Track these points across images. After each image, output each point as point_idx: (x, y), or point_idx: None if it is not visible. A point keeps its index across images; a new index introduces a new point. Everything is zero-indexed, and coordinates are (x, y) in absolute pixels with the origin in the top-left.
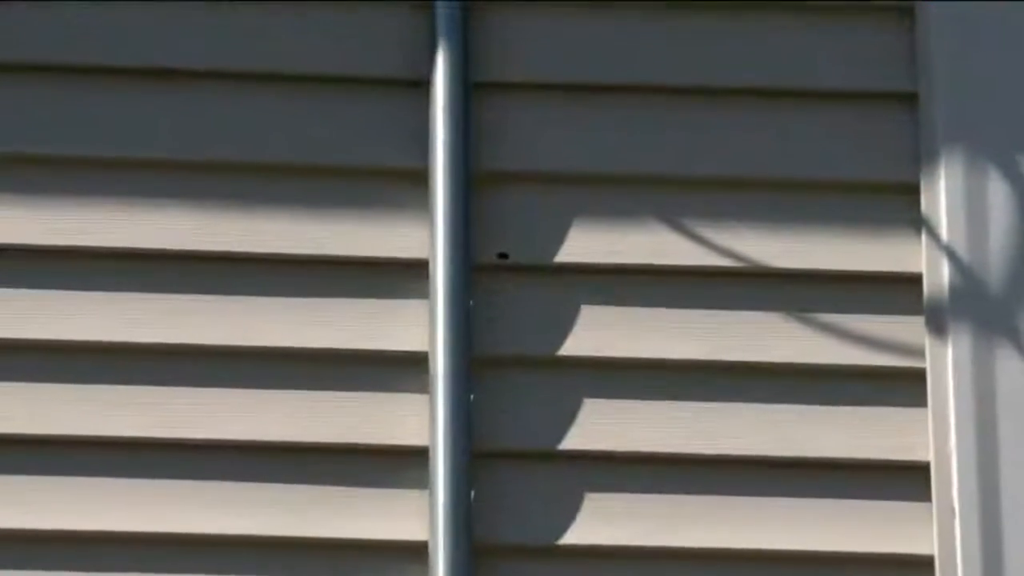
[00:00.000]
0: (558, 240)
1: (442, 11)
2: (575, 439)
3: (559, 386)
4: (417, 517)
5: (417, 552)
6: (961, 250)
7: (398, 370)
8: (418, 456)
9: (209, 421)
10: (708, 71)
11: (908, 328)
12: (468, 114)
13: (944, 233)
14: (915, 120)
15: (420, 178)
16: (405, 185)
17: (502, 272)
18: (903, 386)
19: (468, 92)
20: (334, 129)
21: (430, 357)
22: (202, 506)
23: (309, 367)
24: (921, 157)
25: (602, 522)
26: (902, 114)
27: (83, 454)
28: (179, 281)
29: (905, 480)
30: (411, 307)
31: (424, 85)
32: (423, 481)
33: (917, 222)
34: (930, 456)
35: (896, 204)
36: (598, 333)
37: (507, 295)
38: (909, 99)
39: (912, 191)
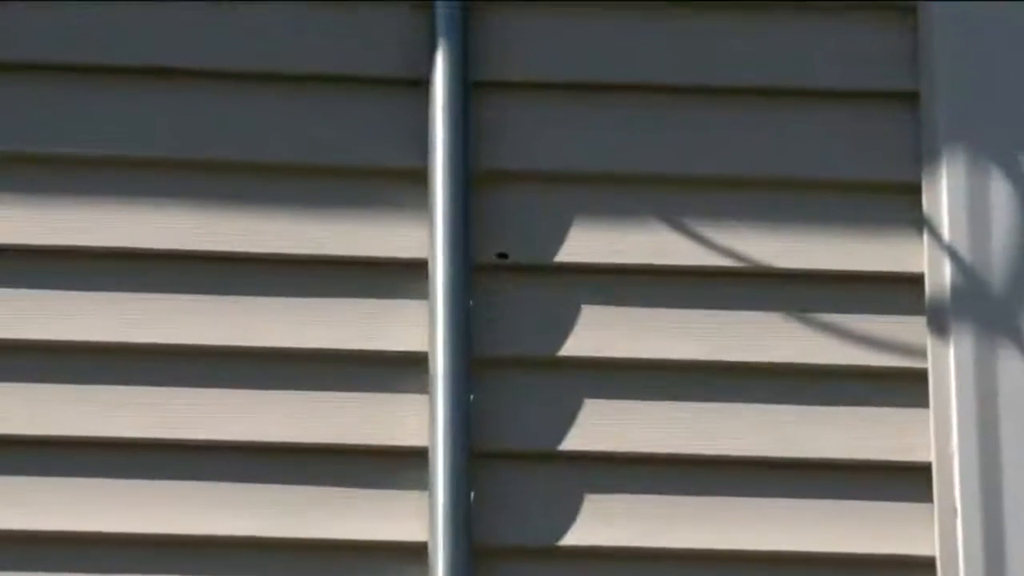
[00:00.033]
0: (558, 240)
1: (442, 10)
2: (575, 440)
3: (559, 386)
4: (417, 518)
5: (417, 553)
6: (963, 250)
7: (398, 370)
8: (418, 457)
9: (208, 422)
10: (709, 70)
11: (910, 328)
12: (468, 113)
13: (946, 233)
14: (917, 120)
15: (420, 178)
16: (405, 185)
17: (502, 272)
18: (904, 386)
19: (468, 91)
20: (334, 129)
21: (430, 357)
22: (201, 507)
23: (308, 367)
24: (923, 157)
25: (602, 523)
26: (904, 113)
27: (82, 455)
28: (178, 281)
29: (906, 481)
30: (411, 307)
31: (424, 84)
32: (423, 482)
33: (919, 222)
34: (931, 457)
35: (898, 204)
36: (598, 333)
37: (507, 295)
38: (911, 98)
39: (914, 191)
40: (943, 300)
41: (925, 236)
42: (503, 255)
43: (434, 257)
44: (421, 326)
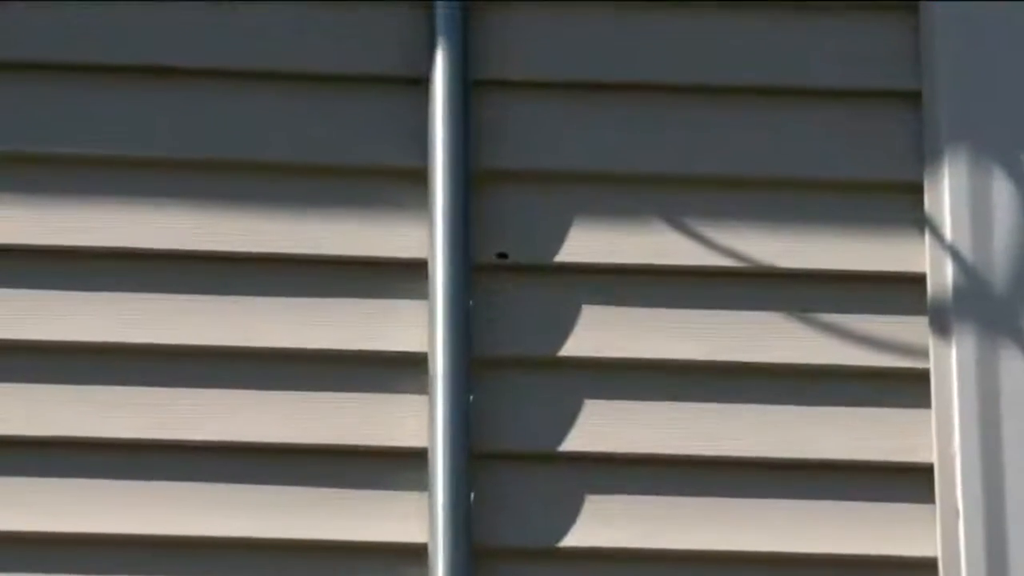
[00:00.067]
0: (558, 240)
1: (441, 9)
2: (575, 440)
3: (559, 387)
4: (416, 519)
5: (416, 554)
6: (965, 250)
7: (397, 371)
8: (417, 457)
9: (207, 422)
10: (709, 69)
11: (911, 328)
12: (468, 113)
13: (948, 233)
14: (919, 119)
15: (419, 177)
16: (404, 184)
17: (502, 272)
18: (906, 387)
19: (468, 90)
20: (334, 128)
21: (429, 358)
22: (200, 507)
23: (307, 368)
24: (925, 156)
25: (602, 524)
26: (906, 113)
27: (81, 455)
28: (177, 281)
29: (908, 482)
30: (410, 307)
31: (424, 84)
32: (422, 483)
33: (921, 221)
34: (933, 457)
35: (900, 203)
36: (598, 333)
37: (507, 295)
38: (913, 98)
39: (916, 190)
40: (945, 300)
41: (927, 236)
42: (503, 255)
43: (434, 257)
44: (421, 326)
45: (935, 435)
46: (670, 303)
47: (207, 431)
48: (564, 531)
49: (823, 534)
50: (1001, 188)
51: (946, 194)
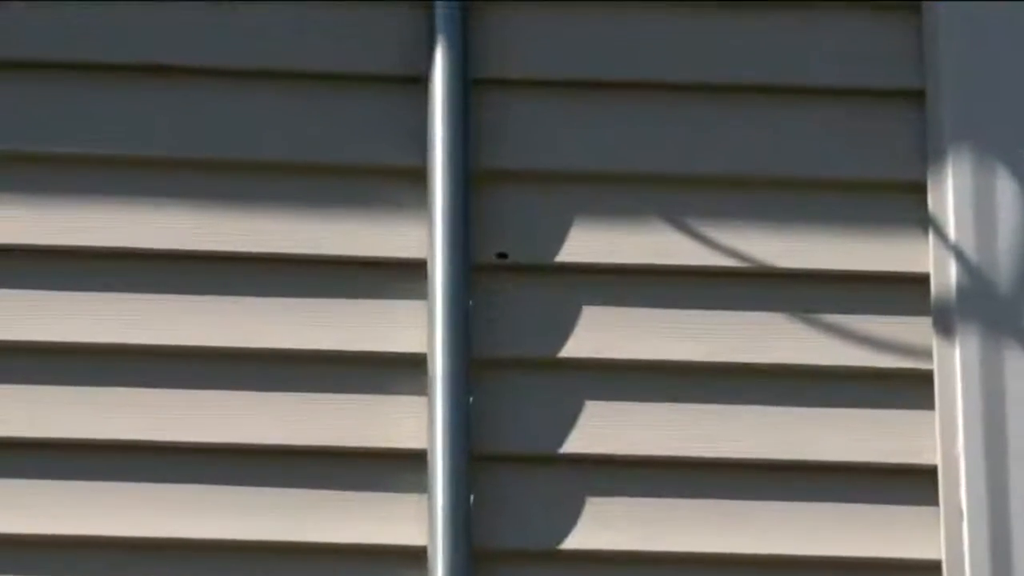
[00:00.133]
0: (558, 240)
1: (441, 8)
2: (575, 442)
3: (559, 388)
4: (416, 521)
5: (416, 557)
6: (969, 250)
7: (396, 372)
8: (417, 459)
9: (206, 424)
10: (711, 68)
11: (915, 329)
12: (467, 112)
13: (951, 232)
14: (922, 118)
15: (419, 176)
16: (404, 184)
17: (502, 272)
18: (910, 388)
19: (467, 89)
20: (333, 127)
21: (429, 358)
22: (198, 510)
23: (306, 369)
24: (928, 156)
25: (602, 526)
26: (909, 112)
27: (80, 457)
28: (177, 281)
29: (912, 483)
30: (409, 308)
31: (423, 83)
32: (422, 485)
33: (924, 221)
34: (937, 459)
35: (903, 203)
36: (599, 334)
37: (507, 295)
38: (916, 97)
39: (919, 190)
40: (949, 300)
41: (930, 236)
42: (503, 255)
43: (433, 257)
44: (420, 327)
45: (939, 436)
46: (670, 303)
47: (206, 433)
48: (564, 533)
49: (825, 537)
50: (1005, 187)
51: (950, 194)
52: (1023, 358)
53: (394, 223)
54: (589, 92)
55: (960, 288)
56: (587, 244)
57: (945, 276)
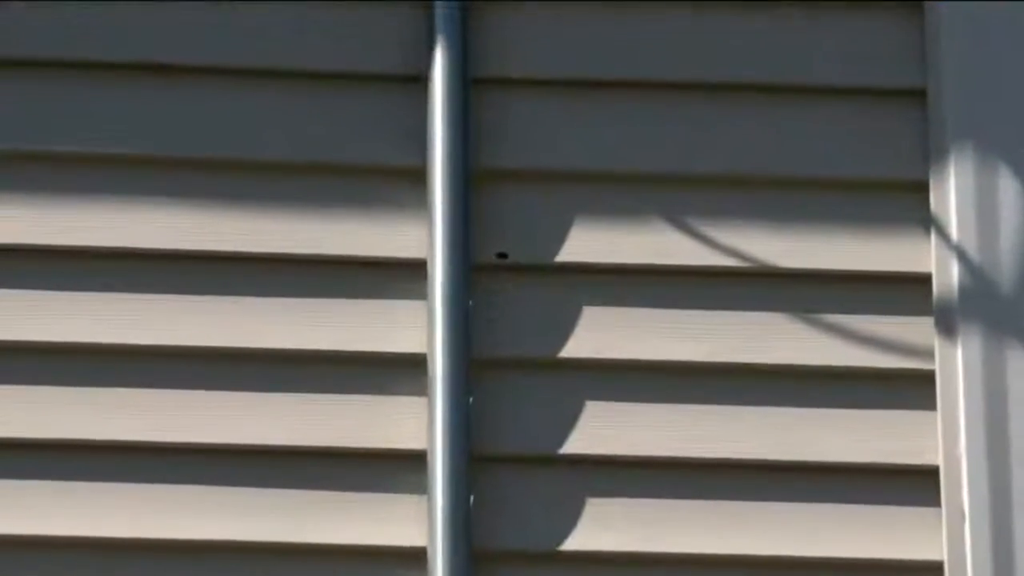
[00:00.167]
0: (558, 240)
1: (441, 8)
2: (575, 442)
3: (559, 388)
4: (415, 522)
5: (416, 558)
6: (971, 249)
7: (396, 372)
8: (416, 460)
9: (206, 425)
10: (712, 67)
11: (917, 329)
12: (467, 111)
13: (954, 232)
14: (924, 118)
15: (419, 176)
16: (403, 183)
17: (502, 272)
18: (912, 388)
19: (467, 89)
20: (333, 127)
21: (429, 359)
22: (198, 511)
23: (306, 369)
24: (930, 155)
25: (602, 527)
26: (911, 111)
27: (80, 457)
28: (177, 281)
29: (914, 484)
30: (409, 308)
31: (423, 82)
32: (421, 485)
33: (926, 221)
34: (939, 460)
35: (905, 202)
36: (599, 334)
37: (507, 295)
38: (918, 96)
39: (921, 189)
40: (951, 300)
41: (932, 235)
42: (503, 255)
43: (433, 257)
44: (420, 327)
45: (941, 437)
46: (671, 303)
47: (206, 434)
48: (564, 534)
49: (826, 538)
50: (1007, 187)
51: (952, 193)
52: None
53: (394, 223)
54: (589, 92)
55: (962, 288)
56: (587, 244)
57: (947, 276)
